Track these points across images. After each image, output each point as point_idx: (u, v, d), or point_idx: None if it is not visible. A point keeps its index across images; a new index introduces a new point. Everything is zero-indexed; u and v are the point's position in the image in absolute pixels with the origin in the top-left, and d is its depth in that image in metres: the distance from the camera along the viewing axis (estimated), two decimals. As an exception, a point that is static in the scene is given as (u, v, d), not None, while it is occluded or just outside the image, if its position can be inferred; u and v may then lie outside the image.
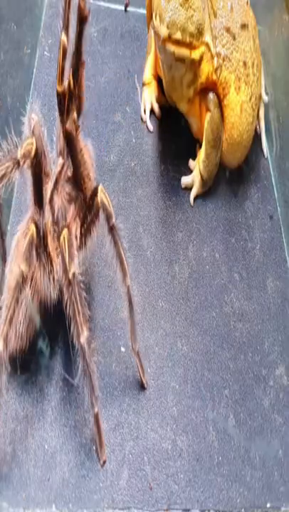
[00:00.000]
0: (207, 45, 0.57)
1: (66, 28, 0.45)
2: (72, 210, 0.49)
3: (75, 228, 0.49)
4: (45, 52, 0.71)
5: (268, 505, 0.48)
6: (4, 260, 0.49)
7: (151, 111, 0.68)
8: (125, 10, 0.77)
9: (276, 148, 0.68)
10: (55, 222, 0.49)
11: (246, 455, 0.50)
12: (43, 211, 0.48)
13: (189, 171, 0.64)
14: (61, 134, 0.49)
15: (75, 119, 0.46)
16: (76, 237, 0.48)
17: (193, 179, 0.63)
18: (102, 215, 0.47)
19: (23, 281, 0.43)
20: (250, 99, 0.61)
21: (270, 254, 0.62)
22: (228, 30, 0.59)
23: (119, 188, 0.63)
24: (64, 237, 0.45)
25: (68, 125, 0.46)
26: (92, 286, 0.56)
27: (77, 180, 0.49)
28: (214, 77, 0.59)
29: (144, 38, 0.72)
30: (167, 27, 0.53)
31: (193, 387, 0.53)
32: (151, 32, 0.59)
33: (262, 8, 0.72)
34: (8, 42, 0.65)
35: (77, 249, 0.47)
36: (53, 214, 0.49)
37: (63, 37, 0.45)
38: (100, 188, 0.47)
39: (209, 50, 0.58)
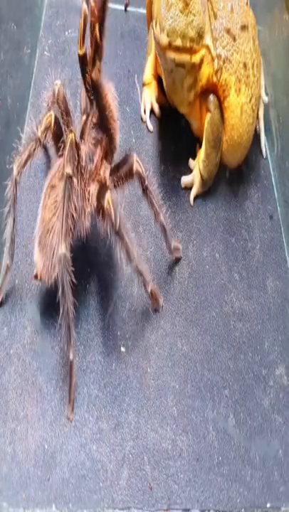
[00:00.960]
0: (207, 47, 0.57)
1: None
2: (98, 151, 0.54)
3: (103, 170, 0.54)
4: (45, 52, 0.71)
5: (268, 505, 0.48)
6: (13, 242, 0.52)
7: (151, 111, 0.68)
8: (125, 10, 0.77)
9: (276, 148, 0.68)
10: (84, 167, 0.52)
11: (246, 455, 0.50)
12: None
13: (189, 171, 0.64)
14: (84, 94, 0.54)
15: (99, 67, 0.50)
16: (105, 178, 0.53)
17: (193, 179, 0.63)
18: (136, 180, 0.52)
19: (71, 184, 0.47)
20: (251, 100, 0.61)
21: (270, 254, 0.62)
22: (228, 31, 0.59)
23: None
24: (108, 200, 0.49)
25: (94, 74, 0.50)
26: (91, 287, 0.56)
27: (103, 122, 0.53)
28: (214, 79, 0.59)
29: (144, 38, 0.72)
30: (167, 35, 0.53)
31: (193, 387, 0.53)
32: (152, 32, 0.59)
33: (262, 8, 0.72)
34: (8, 42, 0.65)
35: (107, 183, 0.52)
36: (81, 159, 0.52)
37: (84, 6, 0.51)
38: (134, 157, 0.51)
39: (209, 52, 0.58)
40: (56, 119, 0.51)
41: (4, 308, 0.54)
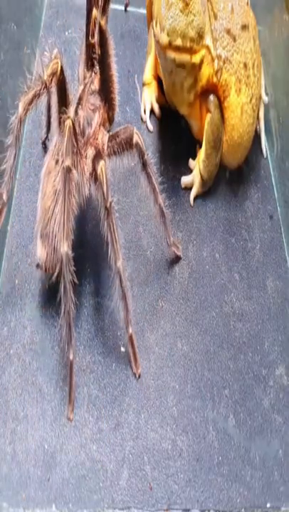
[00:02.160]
0: (207, 48, 0.57)
1: None
2: (97, 117, 0.54)
3: (101, 136, 0.53)
4: (45, 53, 0.71)
5: (268, 505, 0.48)
6: (10, 177, 0.51)
7: (151, 111, 0.68)
8: (125, 10, 0.77)
9: (276, 148, 0.68)
10: (82, 131, 0.52)
11: (246, 455, 0.50)
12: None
13: (189, 171, 0.64)
14: (84, 58, 0.54)
15: (107, 17, 0.50)
16: (103, 144, 0.53)
17: (193, 179, 0.63)
18: (136, 153, 0.52)
19: (71, 177, 0.46)
20: (251, 100, 0.61)
21: (270, 254, 0.62)
22: (228, 31, 0.59)
23: (119, 188, 0.63)
24: (101, 169, 0.48)
25: (103, 21, 0.50)
26: (91, 287, 0.56)
27: (105, 81, 0.53)
28: (215, 79, 0.59)
29: (144, 38, 0.72)
30: (168, 34, 0.53)
31: (193, 387, 0.53)
32: (152, 32, 0.59)
33: (262, 8, 0.72)
34: (8, 42, 0.65)
35: (104, 154, 0.52)
36: (78, 124, 0.52)
37: None
38: (134, 130, 0.51)
39: (210, 52, 0.58)
40: (62, 68, 0.50)
41: (4, 309, 0.54)
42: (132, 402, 0.51)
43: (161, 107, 0.68)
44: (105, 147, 0.52)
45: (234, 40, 0.59)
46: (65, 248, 0.45)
